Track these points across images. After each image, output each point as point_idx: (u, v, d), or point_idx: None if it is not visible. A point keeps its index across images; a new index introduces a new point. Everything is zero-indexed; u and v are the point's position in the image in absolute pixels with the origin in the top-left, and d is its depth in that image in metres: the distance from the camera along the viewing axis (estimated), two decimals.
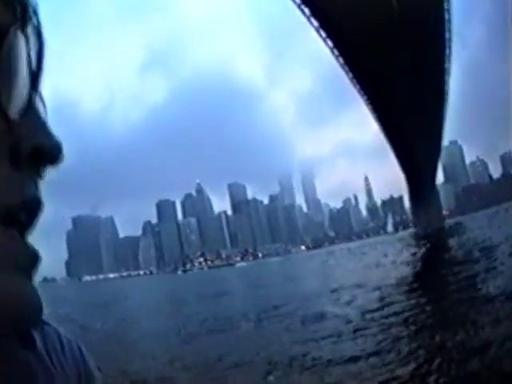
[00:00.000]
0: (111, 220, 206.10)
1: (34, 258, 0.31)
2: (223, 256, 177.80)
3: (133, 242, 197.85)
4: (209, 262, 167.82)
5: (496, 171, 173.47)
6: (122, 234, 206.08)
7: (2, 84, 0.30)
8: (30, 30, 0.32)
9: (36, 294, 0.30)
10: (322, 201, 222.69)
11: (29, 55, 0.32)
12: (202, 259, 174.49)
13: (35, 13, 0.32)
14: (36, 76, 0.32)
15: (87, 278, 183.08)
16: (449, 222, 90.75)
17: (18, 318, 0.30)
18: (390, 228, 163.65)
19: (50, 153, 0.31)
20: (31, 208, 0.31)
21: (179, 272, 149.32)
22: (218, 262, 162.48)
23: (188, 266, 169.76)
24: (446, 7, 44.29)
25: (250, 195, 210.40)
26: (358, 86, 53.10)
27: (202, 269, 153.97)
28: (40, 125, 0.31)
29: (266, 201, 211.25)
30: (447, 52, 52.31)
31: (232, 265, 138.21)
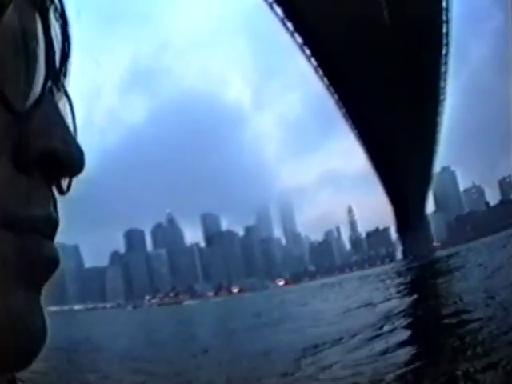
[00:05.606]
0: (76, 249, 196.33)
1: (46, 267, 0.23)
2: (196, 290, 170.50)
3: (99, 272, 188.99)
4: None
5: (494, 197, 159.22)
6: (87, 264, 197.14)
7: (3, 65, 0.22)
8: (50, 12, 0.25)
9: (40, 314, 0.23)
10: (303, 233, 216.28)
11: (47, 37, 0.24)
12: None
13: None
14: (60, 65, 0.25)
15: (51, 308, 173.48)
16: (441, 252, 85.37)
17: (13, 347, 0.22)
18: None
19: (64, 160, 0.23)
20: (42, 224, 0.23)
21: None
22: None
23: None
24: (444, 19, 39.69)
25: (224, 226, 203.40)
26: (343, 110, 49.46)
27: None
28: (55, 124, 0.24)
29: (241, 233, 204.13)
30: (443, 69, 47.76)
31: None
